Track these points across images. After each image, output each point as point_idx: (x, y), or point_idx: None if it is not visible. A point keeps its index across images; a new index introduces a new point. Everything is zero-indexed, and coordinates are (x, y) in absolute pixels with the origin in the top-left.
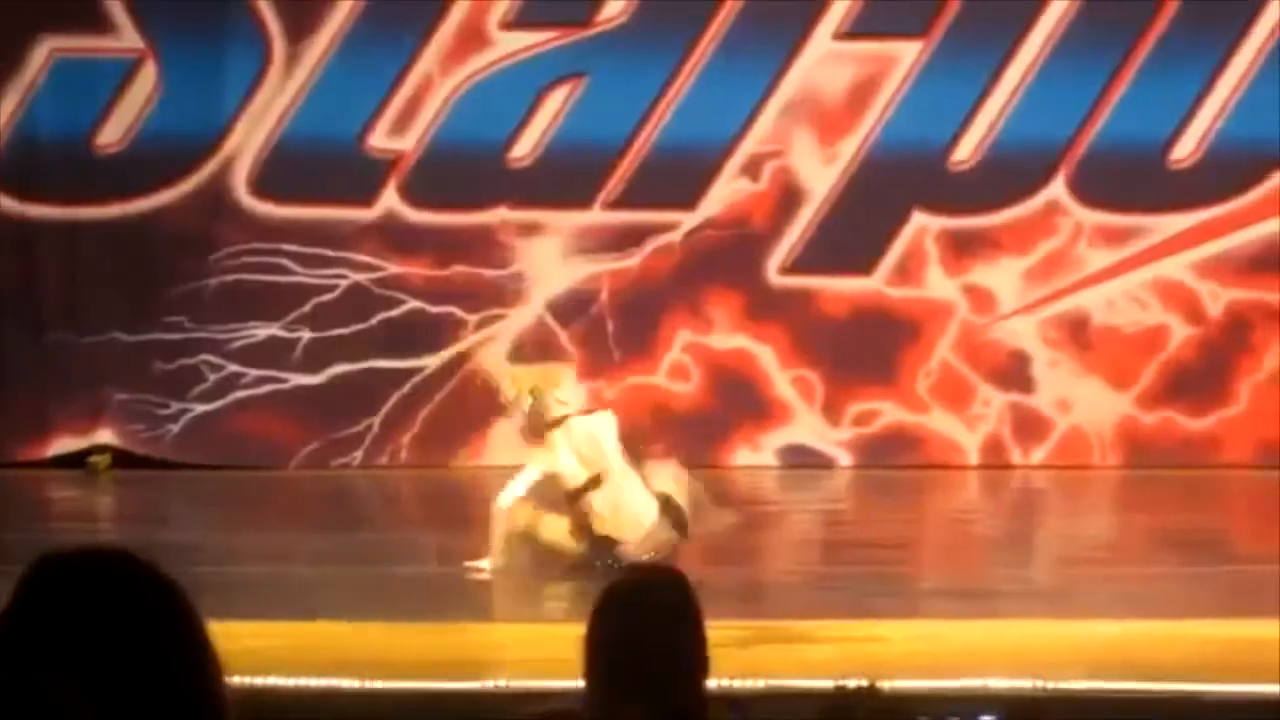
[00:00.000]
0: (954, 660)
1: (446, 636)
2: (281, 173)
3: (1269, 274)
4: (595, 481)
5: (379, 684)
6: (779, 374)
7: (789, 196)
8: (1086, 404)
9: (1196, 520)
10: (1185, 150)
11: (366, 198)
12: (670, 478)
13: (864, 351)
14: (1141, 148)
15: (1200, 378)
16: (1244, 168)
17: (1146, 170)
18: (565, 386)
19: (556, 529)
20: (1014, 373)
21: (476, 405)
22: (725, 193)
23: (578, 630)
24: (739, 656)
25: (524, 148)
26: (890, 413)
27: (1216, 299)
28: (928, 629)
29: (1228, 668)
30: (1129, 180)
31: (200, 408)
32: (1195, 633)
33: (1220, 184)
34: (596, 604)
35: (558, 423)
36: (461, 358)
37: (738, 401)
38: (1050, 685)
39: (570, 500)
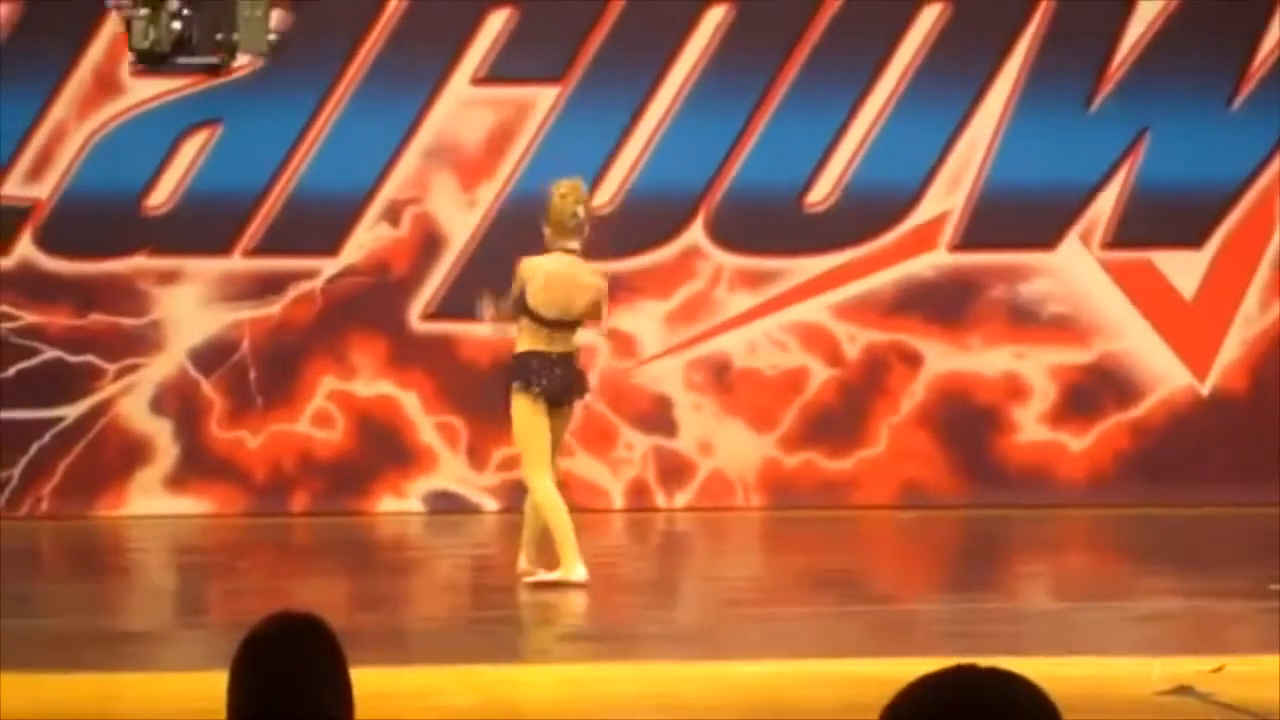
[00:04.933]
0: (597, 705)
1: (91, 688)
2: None
3: (904, 315)
4: None
5: None
6: (423, 420)
7: (430, 242)
8: (729, 446)
9: (839, 560)
10: (821, 194)
11: (2, 246)
12: None
13: (507, 397)
14: (777, 192)
15: (840, 419)
16: (878, 211)
17: (783, 214)
18: None
19: None
20: (657, 416)
21: (116, 455)
22: (366, 239)
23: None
24: (382, 704)
25: (161, 195)
26: None
27: (854, 341)
28: (570, 673)
29: (875, 707)
30: (766, 224)
31: None
32: (842, 672)
33: (855, 227)
34: (237, 654)
35: None
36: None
37: (382, 448)
38: None
39: None
